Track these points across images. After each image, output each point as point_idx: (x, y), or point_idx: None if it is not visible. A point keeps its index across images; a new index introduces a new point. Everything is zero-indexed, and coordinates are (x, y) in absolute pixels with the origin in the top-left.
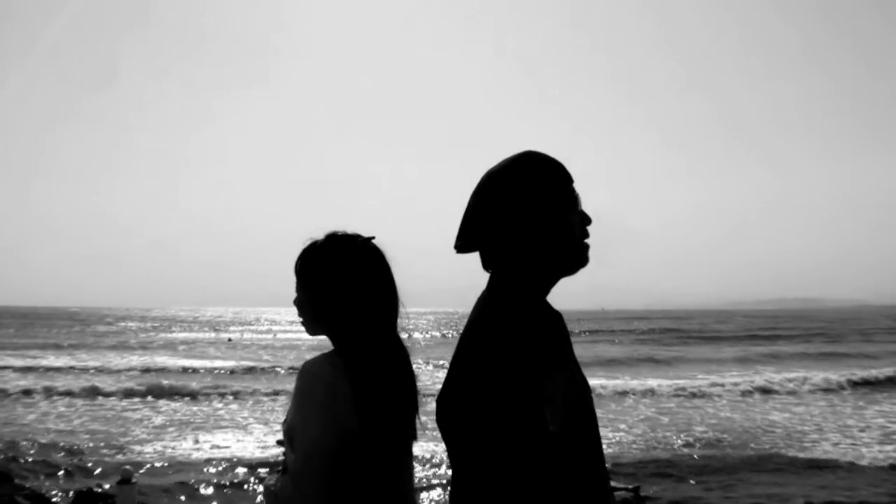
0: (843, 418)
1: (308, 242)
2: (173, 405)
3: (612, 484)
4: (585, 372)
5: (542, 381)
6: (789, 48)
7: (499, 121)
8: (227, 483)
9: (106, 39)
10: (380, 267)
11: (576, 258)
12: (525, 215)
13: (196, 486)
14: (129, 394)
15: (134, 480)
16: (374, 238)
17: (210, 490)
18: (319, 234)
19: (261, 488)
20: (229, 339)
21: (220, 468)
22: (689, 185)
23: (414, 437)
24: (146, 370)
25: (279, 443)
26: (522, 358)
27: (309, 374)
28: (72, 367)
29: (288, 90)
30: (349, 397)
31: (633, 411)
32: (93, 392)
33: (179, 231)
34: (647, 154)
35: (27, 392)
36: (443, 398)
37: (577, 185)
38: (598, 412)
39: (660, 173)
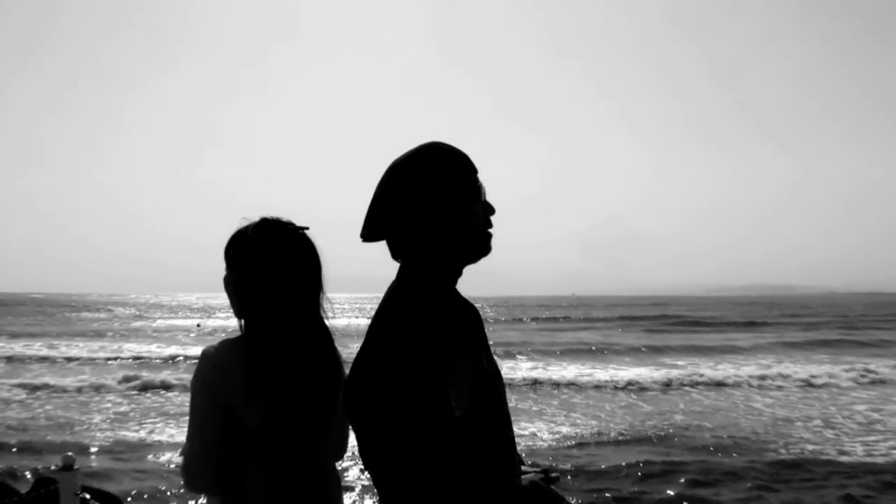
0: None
1: (241, 224)
2: (139, 394)
3: (522, 467)
4: (570, 363)
5: (446, 367)
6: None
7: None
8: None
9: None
10: (306, 256)
11: (478, 247)
12: (427, 205)
13: (144, 472)
14: (83, 381)
15: (76, 467)
16: (307, 229)
17: (158, 476)
18: (255, 217)
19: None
20: (198, 325)
21: (169, 455)
22: (658, 174)
23: (330, 427)
24: (113, 358)
25: None
26: (426, 345)
27: (207, 360)
28: (45, 357)
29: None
30: (240, 386)
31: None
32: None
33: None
34: (615, 140)
35: None
36: (349, 386)
37: (482, 177)
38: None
39: (629, 161)
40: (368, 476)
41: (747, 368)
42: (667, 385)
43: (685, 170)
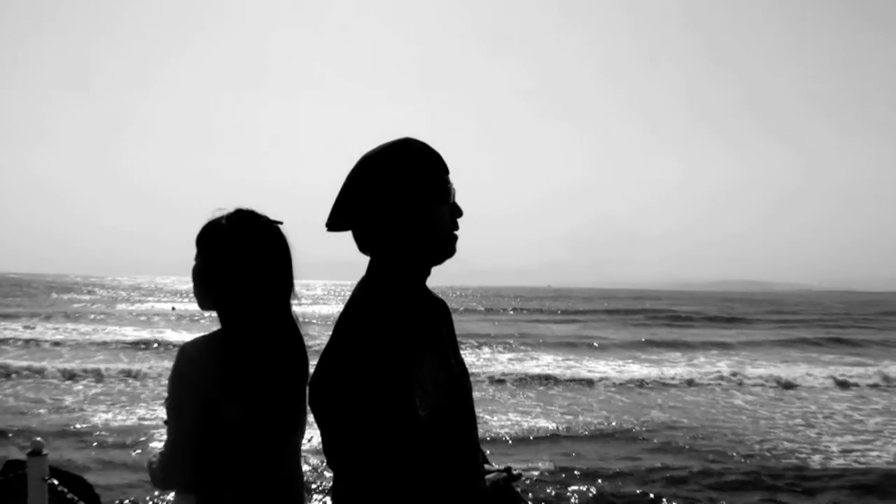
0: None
1: (214, 214)
2: (110, 380)
3: (486, 466)
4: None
5: (412, 365)
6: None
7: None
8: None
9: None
10: (278, 250)
11: (442, 249)
12: (393, 202)
13: (110, 461)
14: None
15: (45, 452)
16: (281, 223)
17: (126, 462)
18: (229, 208)
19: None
20: (173, 308)
21: (136, 440)
22: (641, 174)
23: (300, 421)
24: (84, 343)
25: (165, 422)
26: (393, 342)
27: (185, 357)
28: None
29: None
30: (222, 382)
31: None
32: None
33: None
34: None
35: None
36: (314, 382)
37: (454, 177)
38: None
39: (626, 151)
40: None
41: (722, 365)
42: (640, 383)
43: (667, 170)
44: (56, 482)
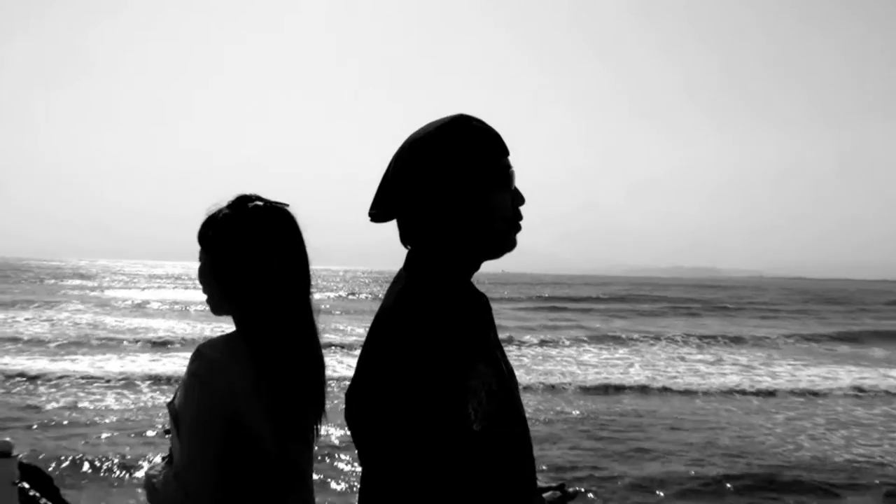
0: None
1: (214, 206)
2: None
3: (539, 484)
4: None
5: (465, 373)
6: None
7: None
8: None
9: None
10: (292, 236)
11: (501, 240)
12: (448, 189)
13: (89, 465)
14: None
15: (15, 454)
16: (287, 205)
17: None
18: (229, 197)
19: (140, 474)
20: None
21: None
22: (585, 150)
23: (317, 432)
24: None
25: (167, 432)
26: (443, 348)
27: (204, 360)
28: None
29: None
30: (249, 390)
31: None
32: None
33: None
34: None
35: None
36: (353, 392)
37: (513, 159)
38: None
39: (555, 134)
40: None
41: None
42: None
43: (609, 151)
44: (27, 486)
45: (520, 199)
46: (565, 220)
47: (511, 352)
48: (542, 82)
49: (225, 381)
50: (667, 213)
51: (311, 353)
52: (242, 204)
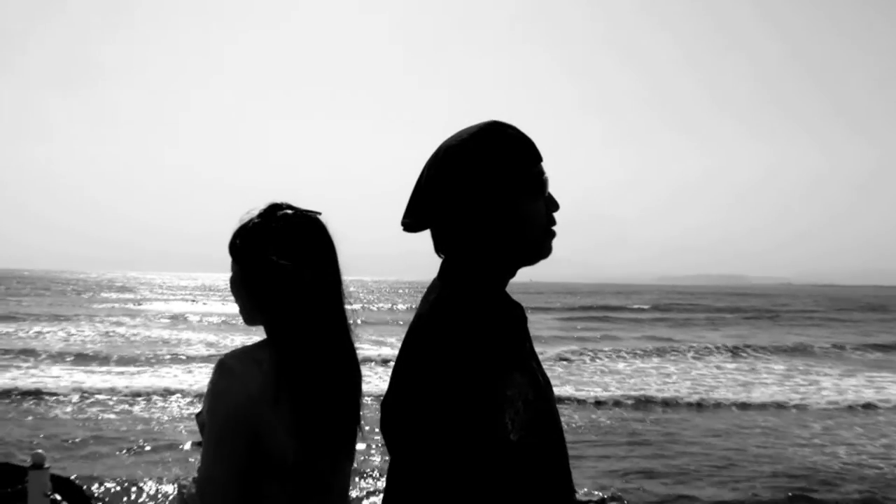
0: None
1: (245, 215)
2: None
3: (577, 496)
4: None
5: (502, 382)
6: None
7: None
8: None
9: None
10: (323, 245)
11: (537, 247)
12: (482, 197)
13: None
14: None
15: (47, 465)
16: (319, 213)
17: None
18: (260, 206)
19: (172, 488)
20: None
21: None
22: (615, 159)
23: (353, 446)
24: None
25: (199, 444)
26: (479, 357)
27: (226, 372)
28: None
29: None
30: (268, 403)
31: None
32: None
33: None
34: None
35: None
36: (388, 403)
37: (546, 166)
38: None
39: (586, 143)
40: None
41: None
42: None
43: (646, 158)
44: (59, 497)
45: (554, 206)
46: (591, 227)
47: (551, 364)
48: (572, 92)
49: (245, 394)
50: (694, 220)
51: (345, 365)
52: (272, 212)
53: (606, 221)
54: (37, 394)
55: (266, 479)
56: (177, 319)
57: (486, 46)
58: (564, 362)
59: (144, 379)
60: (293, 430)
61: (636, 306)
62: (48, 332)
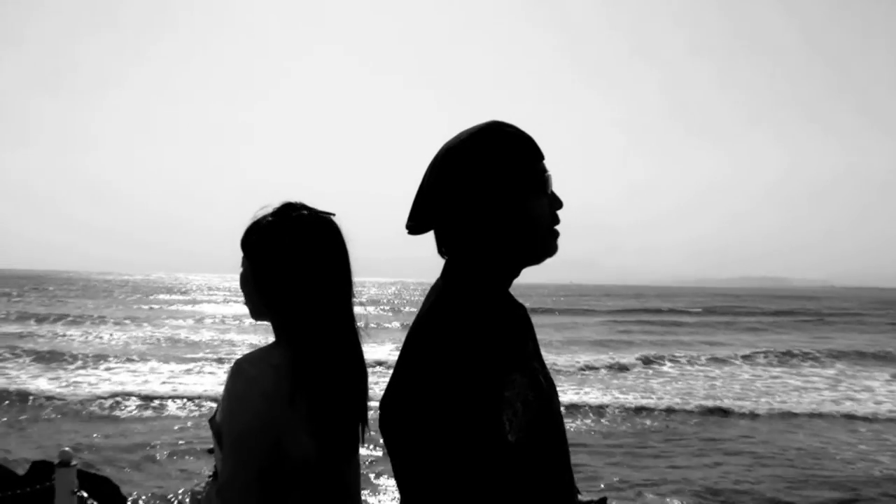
0: None
1: (259, 212)
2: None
3: (579, 497)
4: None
5: (500, 383)
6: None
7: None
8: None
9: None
10: (333, 244)
11: (542, 246)
12: (484, 197)
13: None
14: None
15: (74, 463)
16: (333, 214)
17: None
18: (274, 204)
19: (188, 498)
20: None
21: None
22: (652, 163)
23: (359, 444)
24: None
25: (210, 450)
26: (479, 357)
27: (243, 376)
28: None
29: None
30: (286, 404)
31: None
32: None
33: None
34: (609, 128)
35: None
36: (387, 401)
37: (549, 164)
38: None
39: (620, 149)
40: None
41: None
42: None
43: (670, 159)
44: (86, 495)
45: (557, 203)
46: (629, 231)
47: (606, 372)
48: (594, 95)
49: (262, 397)
50: (733, 222)
51: (353, 365)
52: (286, 212)
53: (640, 225)
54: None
55: (288, 481)
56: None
57: (502, 51)
58: (648, 368)
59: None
60: (312, 431)
61: (694, 309)
62: (131, 335)
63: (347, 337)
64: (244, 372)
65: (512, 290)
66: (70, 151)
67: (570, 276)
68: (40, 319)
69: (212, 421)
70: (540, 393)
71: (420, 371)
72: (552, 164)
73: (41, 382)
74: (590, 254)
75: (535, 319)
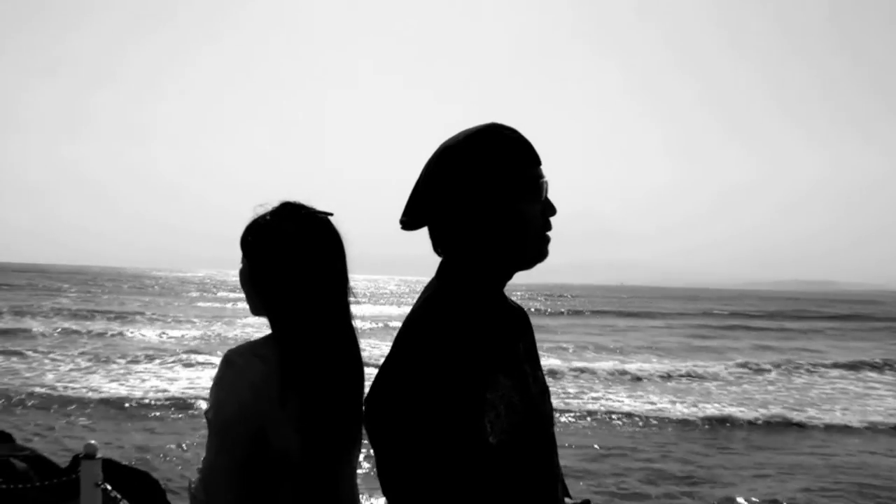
0: None
1: (258, 210)
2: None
3: (566, 500)
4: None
5: (484, 385)
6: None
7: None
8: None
9: None
10: (329, 244)
11: (532, 252)
12: (476, 198)
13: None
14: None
15: (99, 456)
16: (331, 214)
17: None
18: (273, 203)
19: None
20: None
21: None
22: (697, 167)
23: (358, 439)
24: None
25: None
26: (464, 358)
27: (231, 367)
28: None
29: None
30: (273, 399)
31: None
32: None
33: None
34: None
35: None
36: (372, 398)
37: (546, 170)
38: None
39: (661, 150)
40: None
41: None
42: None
43: (703, 157)
44: (109, 487)
45: (551, 210)
46: (677, 232)
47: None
48: (627, 98)
49: (250, 388)
50: (784, 224)
51: (348, 364)
52: (284, 211)
53: (688, 225)
54: None
55: (273, 474)
56: None
57: (543, 61)
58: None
59: None
60: (299, 426)
61: (756, 312)
62: (192, 333)
63: (342, 336)
64: (233, 363)
65: (569, 293)
66: (127, 145)
67: (619, 277)
68: (99, 316)
69: (206, 412)
70: (526, 396)
71: (403, 370)
72: (590, 164)
73: (98, 380)
74: (634, 254)
75: (620, 322)
